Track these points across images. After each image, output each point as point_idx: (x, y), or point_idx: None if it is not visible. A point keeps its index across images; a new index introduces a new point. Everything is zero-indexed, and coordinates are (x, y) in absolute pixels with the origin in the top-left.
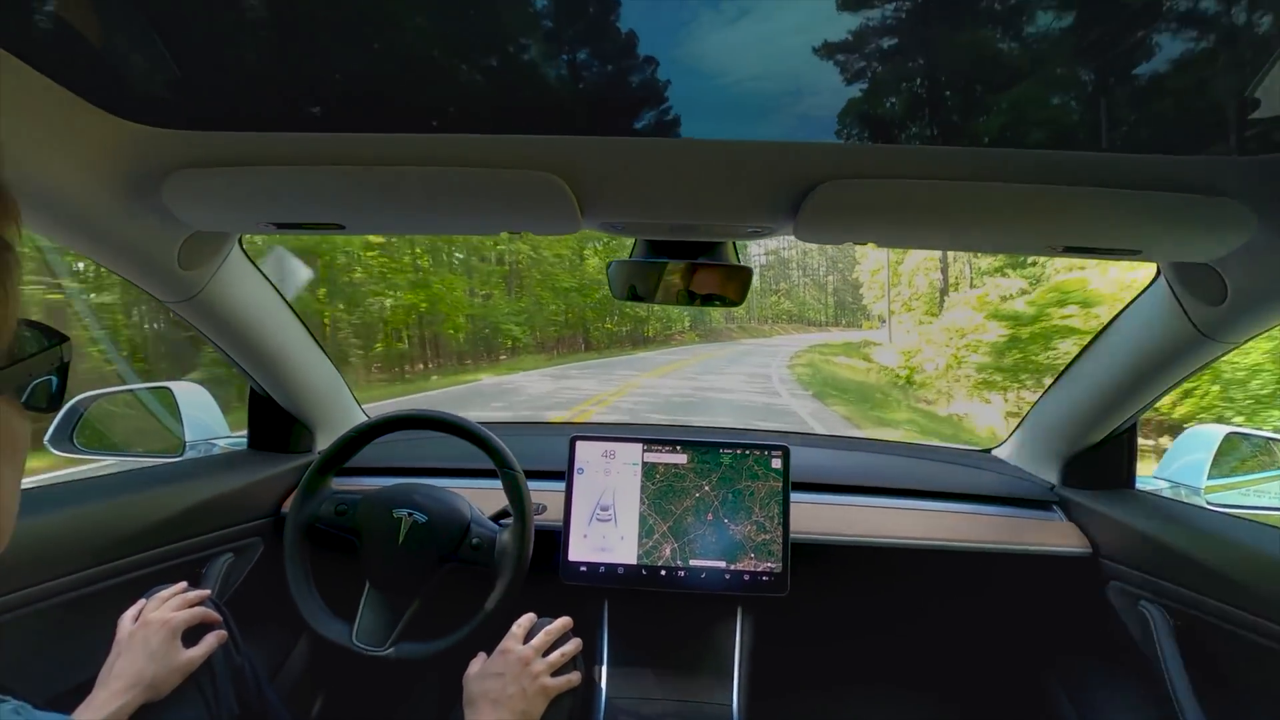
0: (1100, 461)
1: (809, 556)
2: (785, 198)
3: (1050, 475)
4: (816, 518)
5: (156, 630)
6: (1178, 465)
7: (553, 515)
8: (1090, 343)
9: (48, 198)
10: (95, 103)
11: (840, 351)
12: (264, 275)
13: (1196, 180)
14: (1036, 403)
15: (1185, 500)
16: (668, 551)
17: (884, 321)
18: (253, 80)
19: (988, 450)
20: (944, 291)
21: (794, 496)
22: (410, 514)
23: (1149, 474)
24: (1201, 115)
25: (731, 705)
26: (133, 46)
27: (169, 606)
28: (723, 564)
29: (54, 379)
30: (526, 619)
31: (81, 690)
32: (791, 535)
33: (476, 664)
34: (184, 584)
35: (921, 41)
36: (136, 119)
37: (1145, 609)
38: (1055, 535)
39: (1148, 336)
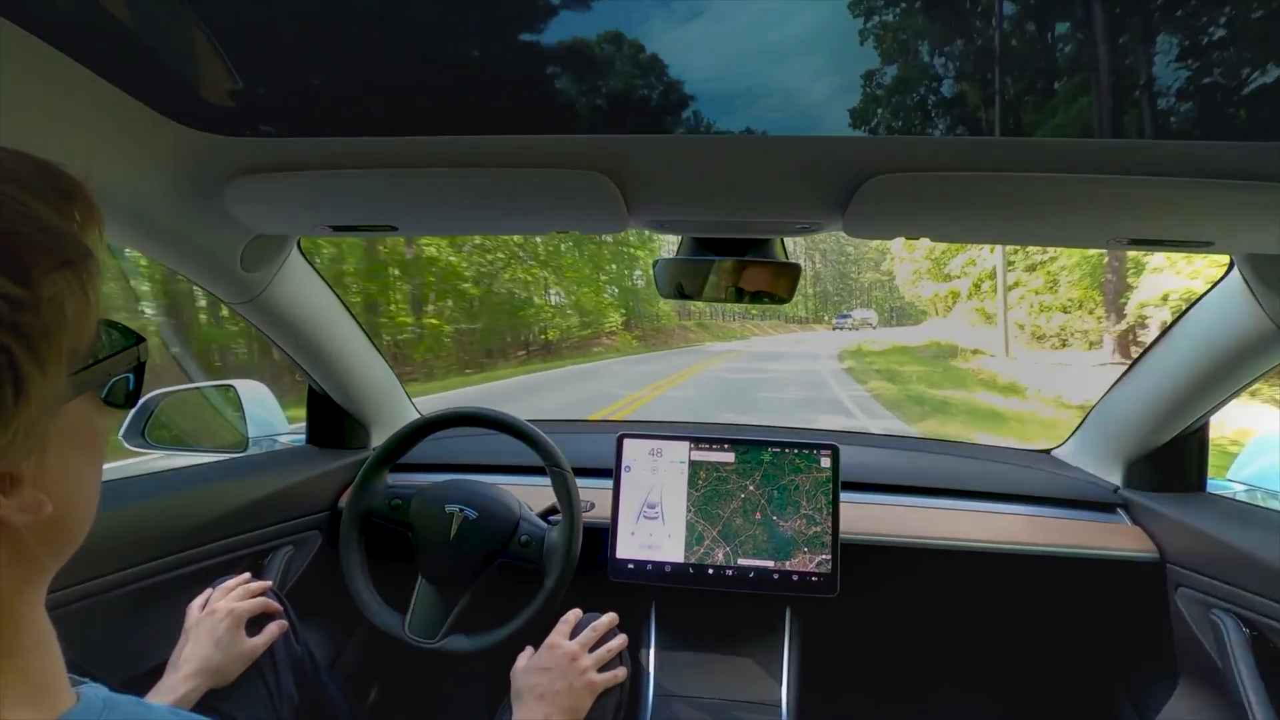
0: (1168, 462)
1: (860, 557)
2: (834, 193)
3: (1114, 477)
4: (868, 518)
5: (222, 619)
6: (1254, 467)
7: (600, 513)
8: (1159, 338)
9: (117, 203)
10: (162, 111)
11: (927, 370)
12: (321, 277)
13: (1272, 167)
14: (1099, 401)
15: (1263, 504)
16: (718, 555)
17: (829, 319)
18: (310, 87)
19: (1047, 451)
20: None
21: (845, 496)
22: (461, 510)
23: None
24: (1276, 98)
25: (780, 705)
26: (197, 57)
27: (233, 596)
28: (771, 564)
29: (131, 377)
30: (573, 614)
31: (154, 674)
32: (842, 535)
33: (524, 658)
34: (247, 574)
35: (975, 30)
36: (200, 127)
37: (1217, 617)
38: (1119, 539)
39: (1220, 332)
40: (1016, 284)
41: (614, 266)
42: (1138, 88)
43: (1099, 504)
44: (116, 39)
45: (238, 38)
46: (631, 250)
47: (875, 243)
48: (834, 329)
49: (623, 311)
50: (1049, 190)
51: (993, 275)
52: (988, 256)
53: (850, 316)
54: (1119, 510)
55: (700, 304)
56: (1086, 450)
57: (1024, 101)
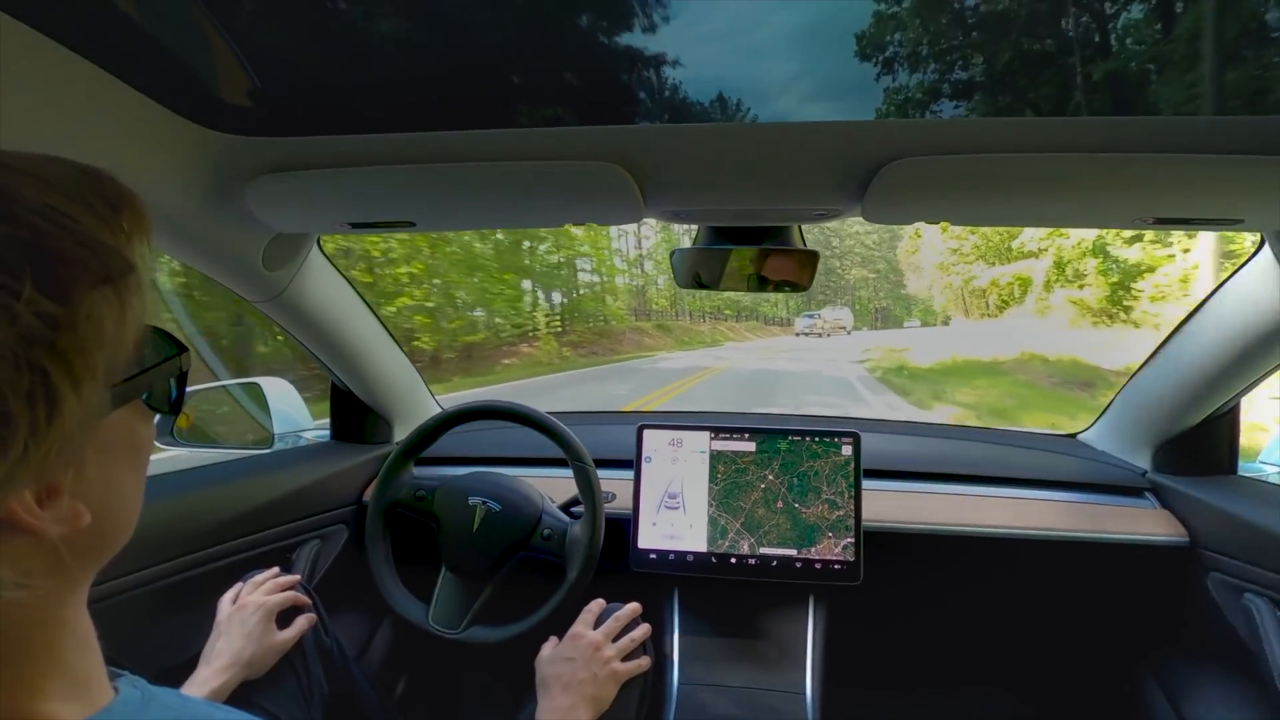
0: (1198, 445)
1: (883, 545)
2: (852, 178)
3: (1142, 460)
4: (892, 505)
5: (253, 613)
6: None
7: (622, 504)
8: (1186, 319)
9: None
10: (181, 113)
11: None
12: (342, 274)
13: None
14: (1126, 384)
15: None
16: (740, 544)
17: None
18: (326, 86)
19: (1073, 435)
20: None
21: (867, 484)
22: (484, 502)
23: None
24: None
25: (805, 693)
26: (215, 59)
27: (263, 590)
28: (794, 552)
29: (173, 385)
30: (596, 605)
31: (188, 666)
32: (865, 523)
33: (548, 648)
34: (276, 569)
35: (994, 8)
36: (220, 128)
37: (1250, 602)
38: (1148, 523)
39: (1250, 311)
40: (1145, 266)
41: (540, 250)
42: (1163, 63)
43: (1127, 488)
44: (136, 43)
45: (254, 38)
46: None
47: (865, 239)
48: (797, 334)
49: (550, 317)
50: (1073, 170)
51: (1097, 251)
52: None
53: (818, 316)
54: (1148, 494)
55: (663, 301)
56: (1114, 434)
57: (1045, 79)
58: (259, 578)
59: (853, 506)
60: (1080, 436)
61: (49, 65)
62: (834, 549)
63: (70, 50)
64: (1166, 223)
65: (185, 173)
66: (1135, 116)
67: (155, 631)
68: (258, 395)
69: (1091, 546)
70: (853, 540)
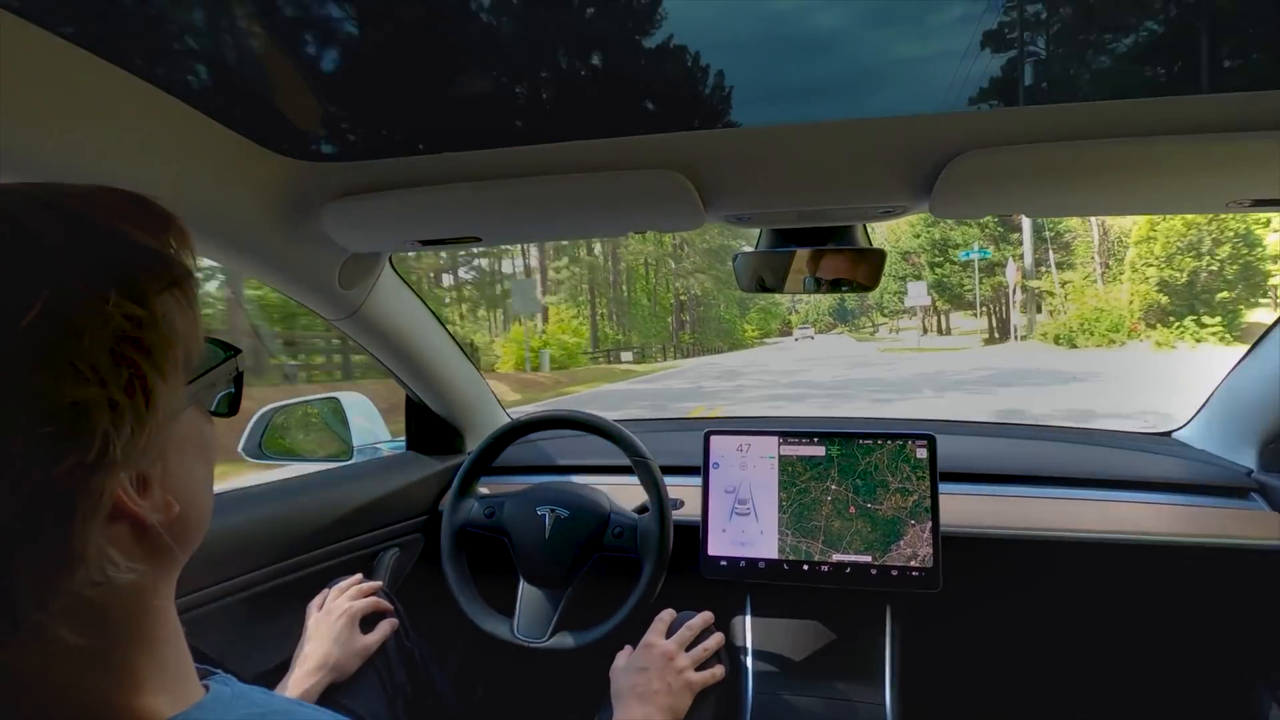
0: None
1: (964, 551)
2: (918, 174)
3: (1247, 459)
4: (973, 510)
5: (338, 618)
6: None
7: (691, 510)
8: None
9: (222, 230)
10: (258, 142)
11: None
12: (412, 290)
13: None
14: (1226, 378)
15: None
16: (814, 551)
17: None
18: (391, 110)
19: (1168, 433)
20: None
21: (945, 487)
22: (553, 510)
23: None
24: None
25: (885, 705)
26: (289, 89)
27: (347, 596)
28: (869, 558)
29: (232, 387)
30: (667, 614)
31: (280, 670)
32: (945, 528)
33: (623, 657)
34: (359, 575)
35: None
36: (296, 155)
37: None
38: (1256, 526)
39: None
40: None
41: None
42: (1251, 35)
43: (1231, 489)
44: (215, 76)
45: (322, 66)
46: None
47: None
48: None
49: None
50: (1159, 154)
51: None
52: None
53: (810, 326)
54: (1254, 495)
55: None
56: (1214, 431)
57: (1124, 60)
58: (343, 584)
59: (926, 488)
60: (1176, 434)
61: (134, 100)
62: (921, 536)
63: (154, 86)
64: (1263, 205)
65: (265, 199)
66: (1223, 94)
67: (250, 637)
68: (337, 409)
69: (1193, 551)
70: (929, 524)
